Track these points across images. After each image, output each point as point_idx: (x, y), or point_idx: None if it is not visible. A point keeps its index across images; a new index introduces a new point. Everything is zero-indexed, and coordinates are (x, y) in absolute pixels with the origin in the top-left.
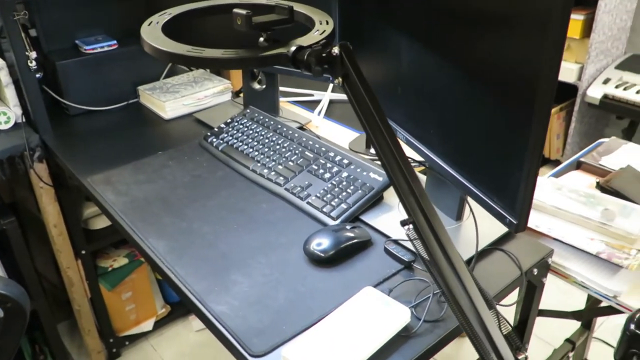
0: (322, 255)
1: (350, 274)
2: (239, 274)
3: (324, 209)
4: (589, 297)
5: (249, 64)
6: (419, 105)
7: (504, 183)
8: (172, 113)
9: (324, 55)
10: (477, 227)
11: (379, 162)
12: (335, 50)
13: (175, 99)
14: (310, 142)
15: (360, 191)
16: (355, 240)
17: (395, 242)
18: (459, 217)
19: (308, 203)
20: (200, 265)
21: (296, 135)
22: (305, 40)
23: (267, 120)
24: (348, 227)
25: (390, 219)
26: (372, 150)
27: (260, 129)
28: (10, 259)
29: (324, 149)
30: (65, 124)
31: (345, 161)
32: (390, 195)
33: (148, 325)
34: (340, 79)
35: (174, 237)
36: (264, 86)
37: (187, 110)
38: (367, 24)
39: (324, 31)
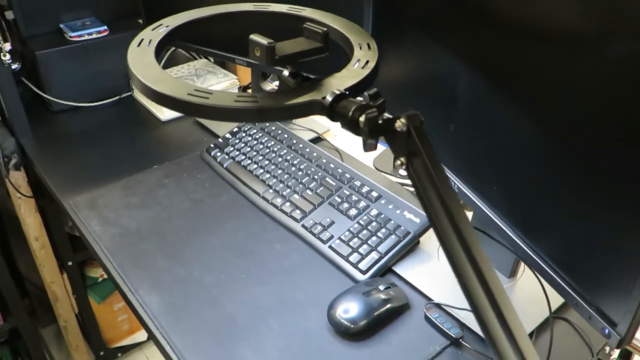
0: (351, 326)
1: (384, 351)
2: (248, 348)
3: (351, 258)
4: None
5: (272, 116)
6: (479, 153)
7: (608, 283)
8: (169, 114)
9: (380, 122)
10: (545, 290)
11: (411, 188)
12: (401, 124)
13: None
14: (332, 166)
15: (393, 236)
16: (391, 306)
17: (438, 306)
18: (512, 273)
19: (331, 248)
20: (201, 332)
21: (314, 154)
22: (345, 78)
23: (279, 132)
24: (381, 287)
25: (429, 273)
26: (402, 172)
27: (272, 143)
28: None
29: (348, 175)
30: (47, 123)
31: (375, 194)
32: (427, 240)
33: (142, 335)
34: (402, 160)
35: (170, 289)
36: (276, 87)
37: None
38: (408, 39)
39: (367, 63)
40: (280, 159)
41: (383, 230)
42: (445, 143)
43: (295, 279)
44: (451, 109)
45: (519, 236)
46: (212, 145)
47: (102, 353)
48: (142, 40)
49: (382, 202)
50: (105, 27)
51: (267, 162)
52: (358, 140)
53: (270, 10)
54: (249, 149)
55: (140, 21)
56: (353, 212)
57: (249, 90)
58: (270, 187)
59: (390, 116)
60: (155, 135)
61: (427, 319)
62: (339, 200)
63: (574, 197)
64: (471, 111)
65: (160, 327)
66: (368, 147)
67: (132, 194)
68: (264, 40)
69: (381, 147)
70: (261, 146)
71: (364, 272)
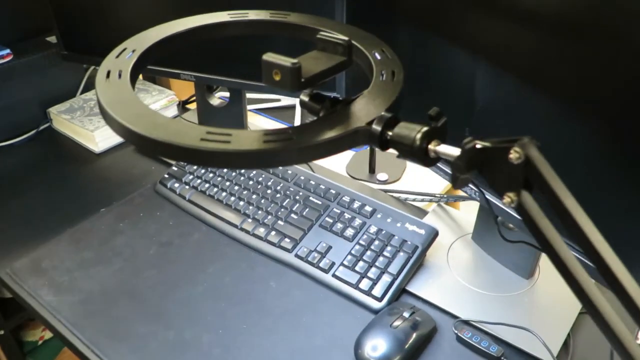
0: None
1: None
2: None
3: (361, 286)
4: None
5: (314, 154)
6: None
7: None
8: (104, 144)
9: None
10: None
11: (397, 194)
12: (517, 155)
13: (106, 125)
14: (312, 182)
15: (402, 253)
16: (420, 332)
17: (467, 323)
18: (531, 274)
19: (335, 277)
20: None
21: (288, 171)
22: (378, 95)
23: None
24: (406, 313)
25: (446, 286)
26: (380, 177)
27: None
28: None
29: (332, 190)
30: None
31: (368, 208)
32: (431, 250)
33: None
34: (511, 196)
35: (161, 359)
36: (225, 101)
37: None
38: (400, 33)
39: (394, 74)
40: (251, 182)
41: (389, 248)
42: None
43: (305, 321)
44: (466, 110)
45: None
46: (166, 176)
47: None
48: (110, 72)
49: (379, 216)
50: (8, 51)
51: (236, 187)
52: None
53: (251, 19)
54: (211, 174)
55: (51, 39)
56: (350, 232)
57: (191, 106)
58: (248, 215)
59: (489, 144)
60: (91, 171)
61: (459, 339)
62: (331, 220)
63: (606, 193)
64: (493, 113)
65: None
66: (461, 183)
67: (84, 248)
68: (286, 61)
69: (351, 153)
70: (225, 170)
71: (379, 299)
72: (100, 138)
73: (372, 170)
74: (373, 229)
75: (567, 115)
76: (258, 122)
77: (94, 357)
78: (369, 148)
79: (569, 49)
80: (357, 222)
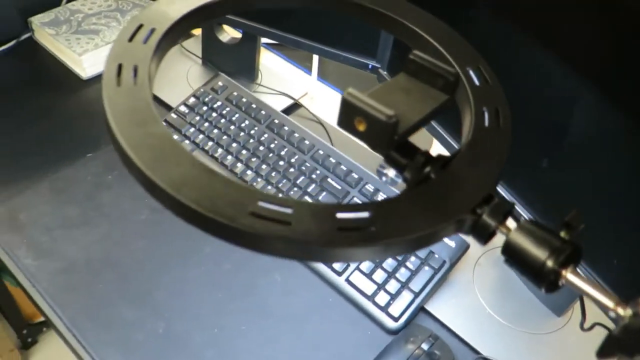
0: None
1: None
2: None
3: (377, 299)
4: None
5: (401, 249)
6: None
7: None
8: (93, 70)
9: None
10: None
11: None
12: None
13: (95, 48)
14: (332, 160)
15: (427, 268)
16: None
17: None
18: (565, 311)
19: (349, 282)
20: None
21: (306, 142)
22: (483, 151)
23: (250, 103)
24: (425, 344)
25: (467, 312)
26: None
27: (247, 122)
28: None
29: (355, 174)
30: None
31: None
32: (455, 269)
33: None
34: None
35: (147, 356)
36: (237, 39)
37: None
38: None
39: (497, 112)
40: (261, 148)
41: (413, 259)
42: (529, 177)
43: (310, 329)
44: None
45: None
46: (163, 123)
47: (25, 331)
48: (122, 67)
49: None
50: None
51: (244, 151)
52: (337, 104)
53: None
54: (213, 127)
55: None
56: None
57: (196, 32)
58: None
59: None
60: (77, 101)
61: None
62: None
63: None
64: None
65: None
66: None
67: (66, 202)
68: (380, 112)
69: None
70: (232, 126)
71: (396, 319)
72: (88, 63)
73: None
74: None
75: None
76: (271, 64)
77: (73, 341)
78: None
79: None
80: None
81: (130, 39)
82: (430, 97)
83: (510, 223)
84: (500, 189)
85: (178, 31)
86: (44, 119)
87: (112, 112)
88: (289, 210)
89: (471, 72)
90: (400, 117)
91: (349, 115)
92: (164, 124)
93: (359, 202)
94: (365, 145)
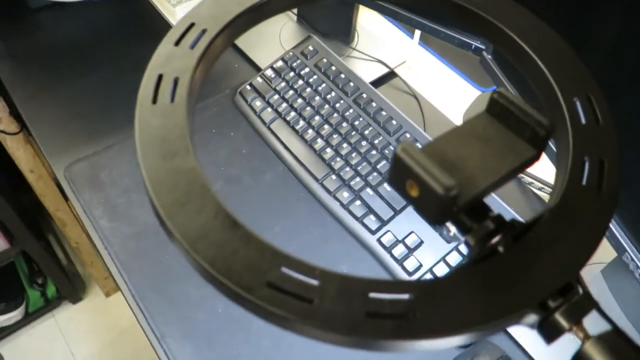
0: None
1: None
2: None
3: None
4: None
5: (429, 345)
6: None
7: None
8: None
9: None
10: None
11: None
12: None
13: (188, 0)
14: (420, 146)
15: None
16: None
17: None
18: None
19: None
20: None
21: (393, 122)
22: (572, 227)
23: (339, 72)
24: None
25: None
26: None
27: (333, 94)
28: None
29: None
30: (23, 29)
31: None
32: None
33: None
34: None
35: (207, 342)
36: None
37: None
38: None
39: (603, 171)
40: (344, 124)
41: None
42: None
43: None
44: None
45: None
46: (247, 87)
47: None
48: (162, 78)
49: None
50: None
51: (326, 126)
52: (442, 74)
53: None
54: (299, 99)
55: None
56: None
57: None
58: (333, 170)
59: None
60: None
61: None
62: None
63: None
64: None
65: None
66: None
67: None
68: (436, 181)
69: (471, 88)
70: (317, 97)
71: None
72: (181, 13)
73: None
74: None
75: None
76: (369, 25)
77: (135, 308)
78: None
79: None
80: None
81: (177, 42)
82: (513, 150)
83: (588, 321)
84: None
85: (233, 31)
86: (138, 71)
87: (140, 137)
88: (314, 282)
89: (578, 104)
90: (467, 181)
91: (400, 175)
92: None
93: None
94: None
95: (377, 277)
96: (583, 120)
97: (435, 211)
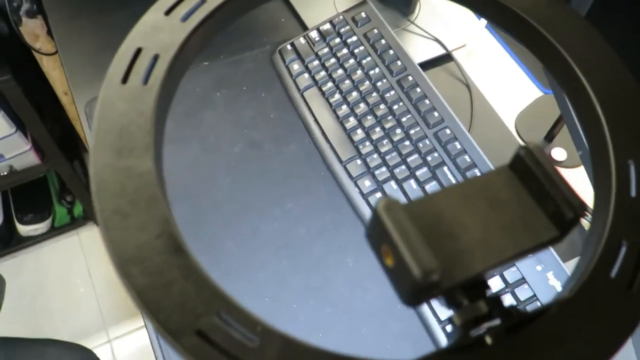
0: None
1: None
2: None
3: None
4: None
5: None
6: None
7: None
8: None
9: None
10: None
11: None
12: None
13: None
14: (457, 146)
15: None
16: None
17: None
18: None
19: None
20: None
21: (435, 114)
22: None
23: (388, 47)
24: None
25: None
26: (555, 153)
27: (376, 69)
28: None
29: (478, 173)
30: None
31: None
32: None
33: None
34: None
35: None
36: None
37: None
38: None
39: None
40: (382, 106)
41: (507, 298)
42: None
43: (371, 340)
44: None
45: None
46: (288, 47)
47: None
48: (141, 52)
49: None
50: None
51: (363, 105)
52: (502, 64)
53: None
54: (340, 70)
55: None
56: None
57: None
58: (360, 153)
59: None
60: None
61: None
62: None
63: None
64: None
65: None
66: None
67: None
68: (414, 259)
69: (533, 95)
70: (359, 70)
71: None
72: None
73: (549, 138)
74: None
75: None
76: (438, 6)
77: None
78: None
79: None
80: None
81: (169, 11)
82: (529, 224)
83: None
84: None
85: (239, 6)
86: None
87: (99, 122)
88: (253, 340)
89: (632, 169)
90: (458, 259)
91: (377, 234)
92: (153, 158)
93: None
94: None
95: (328, 350)
96: (633, 192)
97: (409, 293)
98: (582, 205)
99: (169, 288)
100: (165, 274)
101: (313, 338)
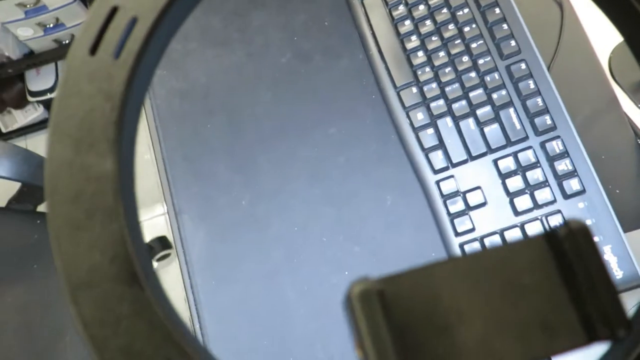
0: None
1: None
2: None
3: None
4: None
5: None
6: None
7: None
8: None
9: None
10: None
11: None
12: None
13: None
14: (531, 85)
15: None
16: None
17: None
18: None
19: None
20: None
21: (511, 43)
22: None
23: None
24: None
25: None
26: None
27: (469, 13)
28: None
29: (549, 120)
30: None
31: (577, 186)
32: None
33: None
34: None
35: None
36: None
37: None
38: None
39: None
40: (451, 27)
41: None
42: None
43: None
44: None
45: None
46: None
47: None
48: (116, 11)
49: (587, 214)
50: None
51: (429, 22)
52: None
53: None
54: (428, 22)
55: None
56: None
57: None
58: (418, 81)
59: None
60: None
61: None
62: (522, 185)
63: None
64: None
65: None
66: None
67: (213, 10)
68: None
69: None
70: (442, 14)
71: None
72: None
73: None
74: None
75: None
76: None
77: (162, 173)
78: None
79: None
80: (544, 207)
81: None
82: (549, 326)
83: None
84: None
85: None
86: None
87: (59, 104)
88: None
89: None
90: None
91: (349, 317)
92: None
93: (530, 158)
94: None
95: None
96: None
97: None
98: (627, 326)
99: (117, 324)
100: (114, 308)
101: (338, 276)
